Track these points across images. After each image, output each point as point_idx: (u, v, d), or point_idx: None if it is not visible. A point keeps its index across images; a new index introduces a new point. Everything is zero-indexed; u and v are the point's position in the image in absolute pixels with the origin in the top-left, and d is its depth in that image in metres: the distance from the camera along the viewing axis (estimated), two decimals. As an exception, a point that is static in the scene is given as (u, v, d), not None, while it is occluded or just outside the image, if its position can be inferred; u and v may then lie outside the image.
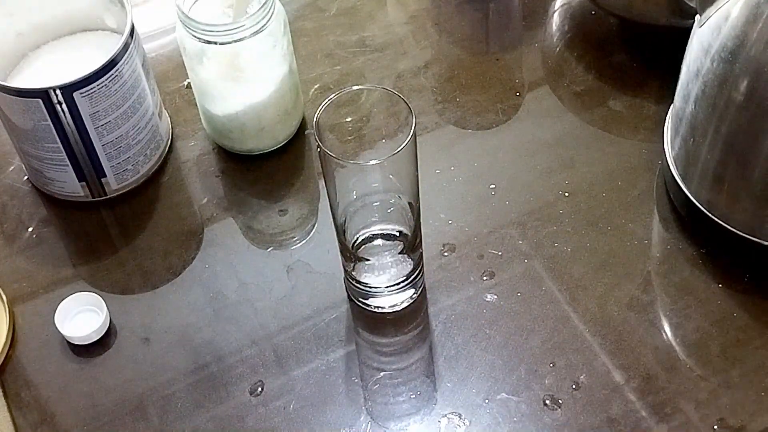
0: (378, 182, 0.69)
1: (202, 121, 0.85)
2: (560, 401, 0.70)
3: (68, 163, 0.79)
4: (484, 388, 0.71)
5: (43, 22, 0.82)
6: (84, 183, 0.80)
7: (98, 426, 0.71)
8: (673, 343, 0.73)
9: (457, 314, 0.75)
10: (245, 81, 0.79)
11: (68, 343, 0.75)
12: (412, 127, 0.63)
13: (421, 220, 0.71)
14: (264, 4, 0.75)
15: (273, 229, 0.81)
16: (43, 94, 0.74)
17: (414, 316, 0.75)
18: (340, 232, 0.71)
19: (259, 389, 0.72)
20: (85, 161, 0.79)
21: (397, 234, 0.71)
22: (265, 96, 0.80)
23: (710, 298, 0.75)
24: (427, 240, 0.77)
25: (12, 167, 0.86)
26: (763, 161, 0.70)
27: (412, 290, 0.75)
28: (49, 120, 0.75)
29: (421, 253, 0.74)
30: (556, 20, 0.94)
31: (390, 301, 0.75)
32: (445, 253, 0.78)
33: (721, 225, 0.75)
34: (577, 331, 0.74)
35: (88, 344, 0.74)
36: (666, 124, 0.81)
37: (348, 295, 0.76)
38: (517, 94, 0.87)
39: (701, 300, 0.75)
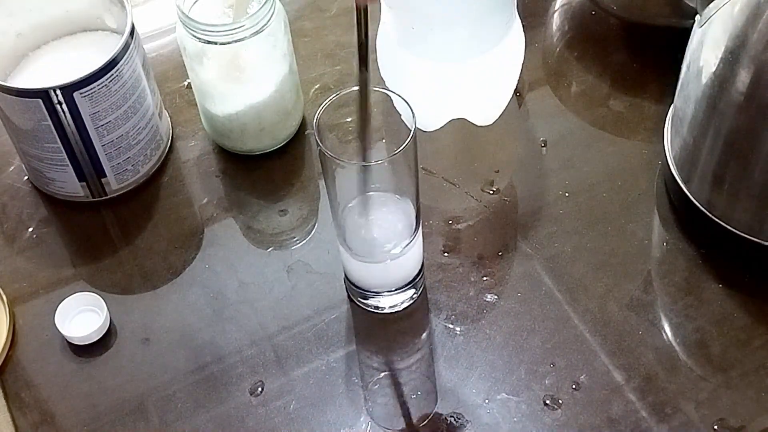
0: (378, 182, 0.69)
1: (202, 121, 0.85)
2: (560, 401, 0.70)
3: (68, 163, 0.79)
4: (484, 388, 0.71)
5: (43, 22, 0.82)
6: (84, 183, 0.81)
7: (98, 426, 0.71)
8: (673, 344, 0.73)
9: (457, 314, 0.75)
10: (245, 81, 0.79)
11: (68, 343, 0.75)
12: (413, 128, 0.63)
13: (421, 220, 0.71)
14: (264, 4, 0.75)
15: (273, 229, 0.81)
16: (44, 94, 0.74)
17: (414, 316, 0.75)
18: (341, 232, 0.71)
19: (259, 389, 0.72)
20: (85, 161, 0.79)
21: (397, 234, 0.71)
22: (265, 96, 0.80)
23: (710, 298, 0.75)
24: (427, 240, 0.77)
25: (12, 167, 0.86)
26: (763, 161, 0.70)
27: (412, 290, 0.75)
28: (49, 120, 0.75)
29: (422, 252, 0.74)
30: (556, 20, 0.94)
31: (390, 301, 0.75)
32: (445, 253, 0.78)
33: (721, 225, 0.75)
34: (577, 331, 0.74)
35: (88, 344, 0.74)
36: (666, 124, 0.81)
37: (348, 295, 0.76)
38: (518, 94, 0.87)
39: (701, 300, 0.75)
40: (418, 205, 0.70)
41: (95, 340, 0.75)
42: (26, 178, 0.85)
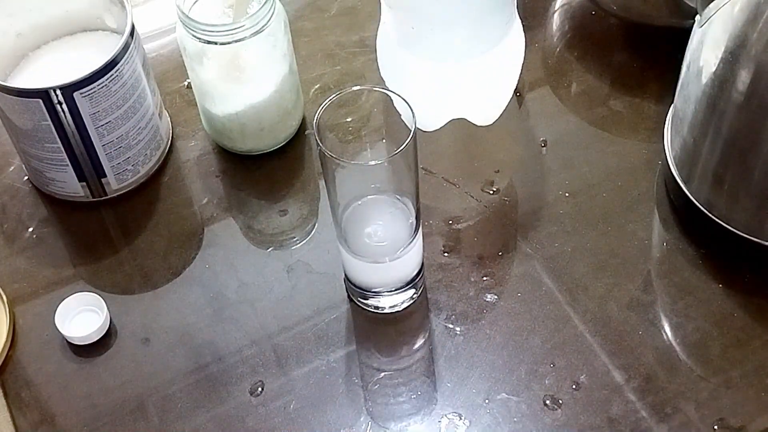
0: (378, 182, 0.69)
1: (202, 121, 0.85)
2: (560, 401, 0.70)
3: (68, 163, 0.79)
4: (484, 388, 0.71)
5: (43, 22, 0.82)
6: (84, 183, 0.80)
7: (98, 426, 0.71)
8: (673, 344, 0.73)
9: (457, 314, 0.75)
10: (245, 81, 0.79)
11: (68, 343, 0.75)
12: (413, 128, 0.63)
13: (421, 220, 0.71)
14: (264, 4, 0.75)
15: (273, 229, 0.81)
16: (44, 94, 0.74)
17: (414, 316, 0.75)
18: (341, 232, 0.71)
19: (259, 389, 0.72)
20: (86, 161, 0.79)
21: (397, 234, 0.71)
22: (266, 96, 0.80)
23: (710, 298, 0.75)
24: (427, 240, 0.77)
25: (12, 167, 0.86)
26: (763, 161, 0.70)
27: (412, 290, 0.75)
28: (49, 120, 0.75)
29: (422, 252, 0.74)
30: (556, 20, 0.94)
31: (390, 301, 0.75)
32: (445, 253, 0.78)
33: (721, 225, 0.75)
34: (577, 331, 0.74)
35: (88, 344, 0.74)
36: (666, 124, 0.81)
37: (348, 295, 0.76)
38: (518, 94, 0.87)
39: (701, 300, 0.75)
40: (418, 205, 0.70)
41: (95, 340, 0.75)
42: (26, 178, 0.85)
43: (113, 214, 0.82)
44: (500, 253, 0.78)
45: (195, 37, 0.75)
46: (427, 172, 0.82)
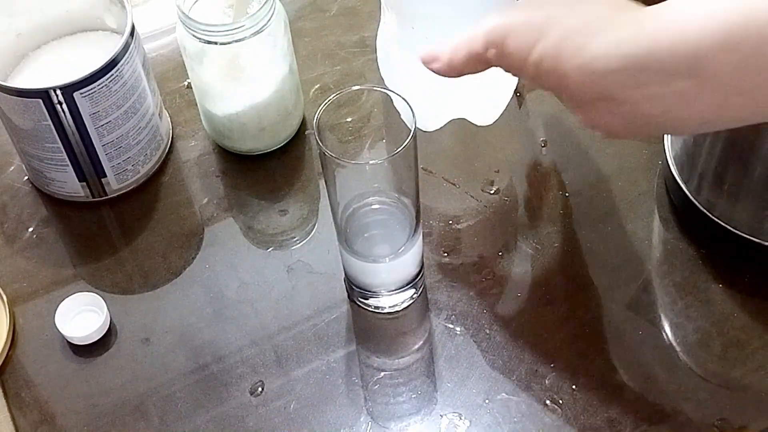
0: (378, 182, 0.69)
1: (203, 121, 0.85)
2: (560, 401, 0.70)
3: (68, 163, 0.79)
4: (484, 388, 0.71)
5: (43, 22, 0.82)
6: (84, 183, 0.81)
7: (98, 426, 0.71)
8: (673, 344, 0.73)
9: (457, 314, 0.75)
10: (245, 81, 0.79)
11: (68, 343, 0.75)
12: (413, 128, 0.63)
13: (421, 220, 0.71)
14: (264, 4, 0.75)
15: (273, 230, 0.81)
16: (44, 94, 0.74)
17: (414, 316, 0.75)
18: (341, 232, 0.71)
19: (259, 389, 0.72)
20: (86, 161, 0.79)
21: (397, 234, 0.71)
22: (266, 96, 0.80)
23: (710, 298, 0.75)
24: (427, 240, 0.77)
25: (12, 167, 0.86)
26: (763, 161, 0.70)
27: (412, 290, 0.75)
28: (49, 120, 0.75)
29: (422, 252, 0.74)
30: (556, 20, 0.94)
31: (390, 301, 0.75)
32: (445, 253, 0.78)
33: (721, 225, 0.75)
34: (577, 331, 0.74)
35: (89, 344, 0.74)
36: (666, 124, 0.80)
37: (348, 295, 0.76)
38: (518, 94, 0.87)
39: (701, 300, 0.75)
40: (418, 205, 0.70)
41: (95, 340, 0.75)
42: (26, 178, 0.85)
43: (113, 214, 0.82)
44: (500, 253, 0.78)
45: (195, 37, 0.75)
46: (427, 172, 0.82)
